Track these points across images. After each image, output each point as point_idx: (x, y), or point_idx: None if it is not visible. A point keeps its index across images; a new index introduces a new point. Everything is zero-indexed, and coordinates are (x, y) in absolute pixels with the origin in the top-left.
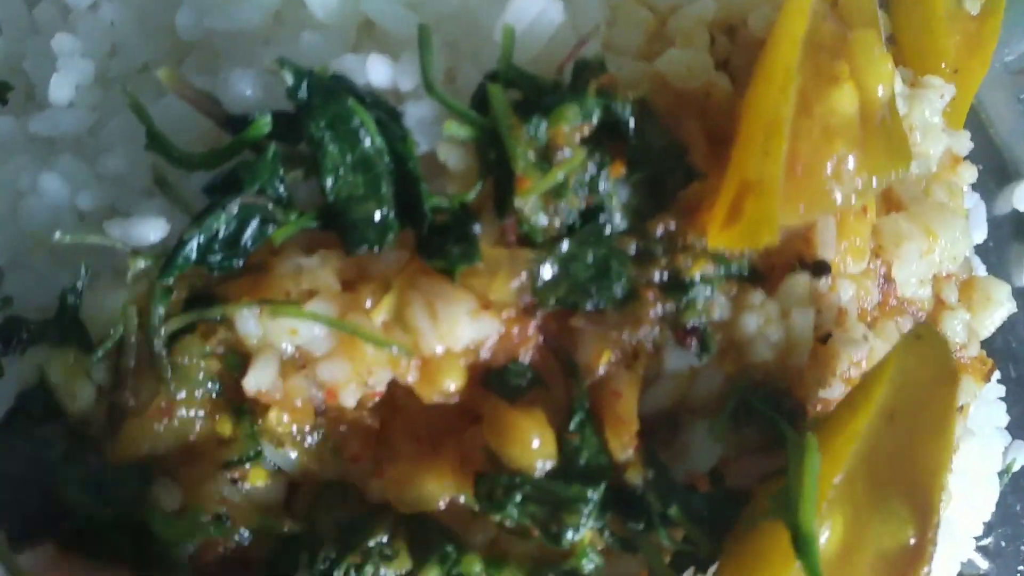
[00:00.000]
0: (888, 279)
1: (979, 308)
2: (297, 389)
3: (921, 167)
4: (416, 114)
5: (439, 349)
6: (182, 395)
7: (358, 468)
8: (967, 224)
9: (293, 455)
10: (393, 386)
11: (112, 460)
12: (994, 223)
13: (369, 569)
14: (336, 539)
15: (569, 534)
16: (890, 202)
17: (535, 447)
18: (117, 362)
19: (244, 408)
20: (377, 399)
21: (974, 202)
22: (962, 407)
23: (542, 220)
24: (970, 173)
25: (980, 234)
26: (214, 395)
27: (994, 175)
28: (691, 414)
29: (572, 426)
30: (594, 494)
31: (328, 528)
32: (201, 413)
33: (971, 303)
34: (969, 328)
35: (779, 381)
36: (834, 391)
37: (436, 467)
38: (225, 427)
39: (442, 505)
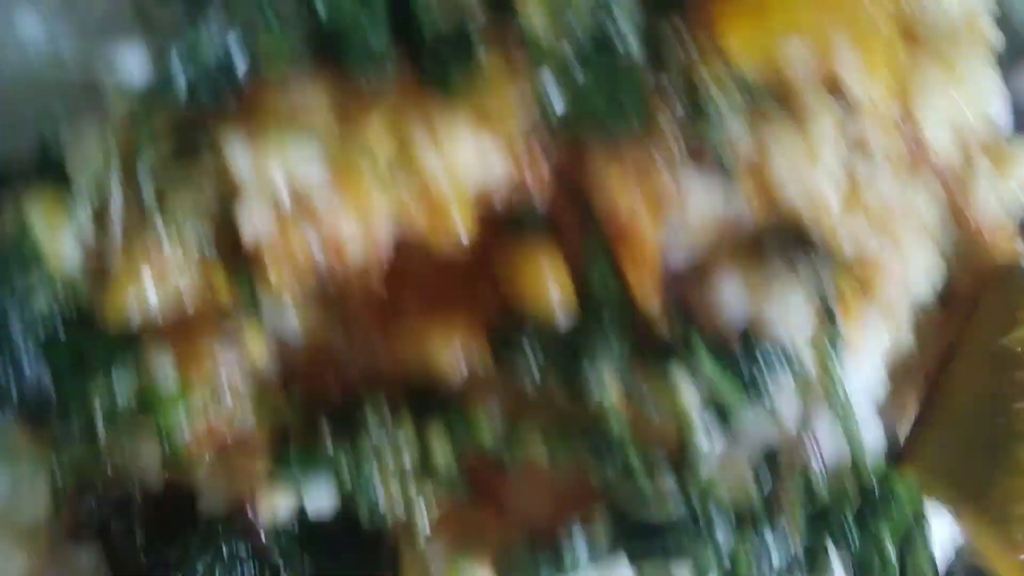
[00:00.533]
0: (909, 122)
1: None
2: (297, 240)
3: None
4: None
5: (441, 173)
6: (174, 251)
7: (362, 336)
8: (995, 78)
9: (294, 321)
10: (399, 251)
11: (102, 329)
12: None
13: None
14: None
15: (594, 389)
16: (909, 38)
17: (553, 290)
18: (103, 214)
19: (240, 269)
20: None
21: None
22: None
23: (549, 39)
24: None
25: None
26: (207, 258)
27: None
28: (718, 262)
29: (594, 274)
30: (619, 340)
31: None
32: (195, 277)
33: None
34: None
35: (809, 227)
36: (865, 237)
37: (446, 328)
38: (221, 289)
39: (455, 371)
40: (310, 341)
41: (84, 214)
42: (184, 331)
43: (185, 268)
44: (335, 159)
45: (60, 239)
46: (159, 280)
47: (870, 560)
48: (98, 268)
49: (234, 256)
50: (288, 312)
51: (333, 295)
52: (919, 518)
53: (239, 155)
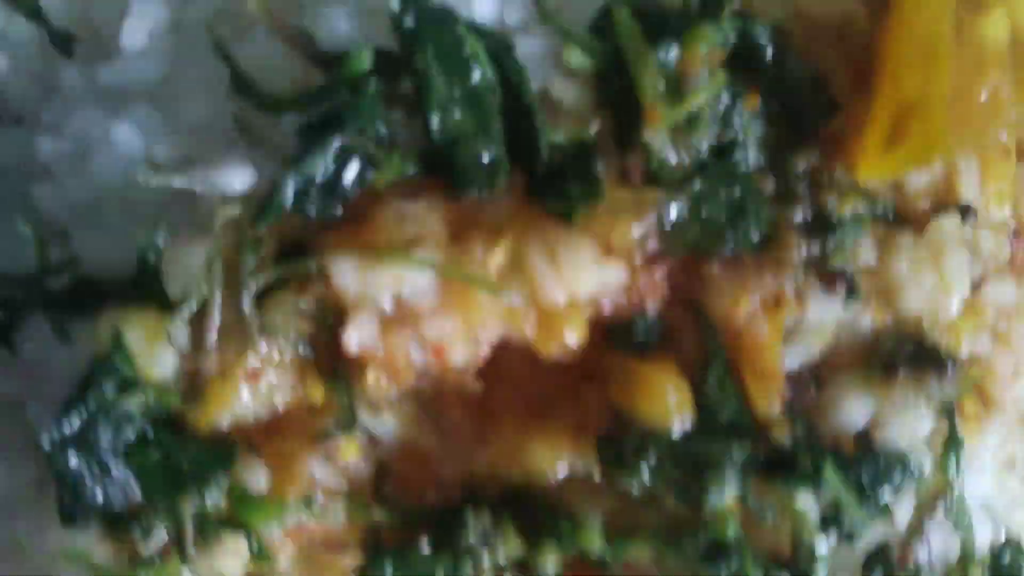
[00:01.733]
0: (1019, 235)
1: None
2: (400, 346)
3: None
4: (526, 49)
5: (560, 297)
6: (270, 357)
7: (458, 438)
8: None
9: (390, 423)
10: (497, 352)
11: (193, 433)
12: None
13: (472, 557)
14: (431, 527)
15: (713, 498)
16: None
17: (671, 402)
18: (200, 322)
19: (337, 373)
20: (480, 365)
21: None
22: None
23: (671, 157)
24: None
25: None
26: (303, 359)
27: None
28: (836, 371)
29: (710, 380)
30: (738, 451)
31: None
32: (290, 380)
33: None
34: None
35: (929, 334)
36: (983, 345)
37: (549, 433)
38: (317, 393)
39: (556, 475)
40: (405, 442)
41: (181, 325)
42: (276, 434)
43: (281, 373)
44: (445, 269)
45: (156, 351)
46: (254, 386)
47: None
48: (192, 375)
49: (330, 359)
50: (383, 414)
51: (429, 397)
52: None
53: (347, 273)
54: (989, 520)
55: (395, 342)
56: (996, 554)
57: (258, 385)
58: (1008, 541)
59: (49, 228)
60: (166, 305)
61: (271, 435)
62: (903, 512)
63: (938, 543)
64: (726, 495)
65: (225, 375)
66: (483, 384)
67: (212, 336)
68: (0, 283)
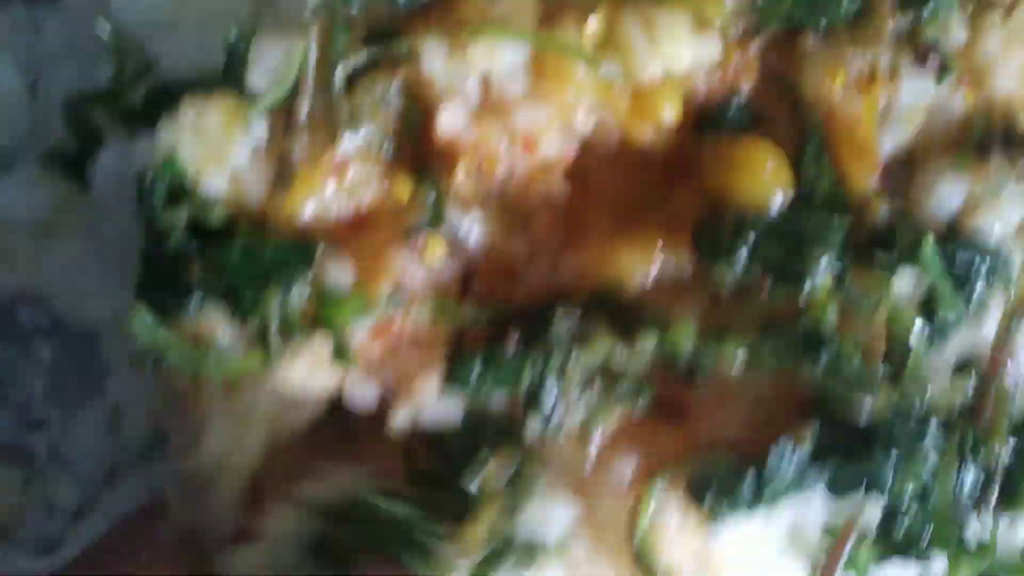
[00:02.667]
0: None
1: None
2: (490, 136)
3: None
4: None
5: (657, 71)
6: (357, 149)
7: (545, 243)
8: None
9: (477, 224)
10: (586, 156)
11: (275, 228)
12: None
13: (559, 357)
14: (519, 327)
15: (813, 273)
16: None
17: (768, 177)
18: (290, 108)
19: (424, 171)
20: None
21: None
22: None
23: None
24: None
25: None
26: (390, 155)
27: None
28: (929, 154)
29: (806, 159)
30: (839, 223)
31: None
32: (376, 174)
33: None
34: None
35: (1020, 117)
36: None
37: (639, 235)
38: (403, 189)
39: (648, 277)
40: (491, 245)
41: (262, 114)
42: (360, 231)
43: (367, 168)
44: (539, 39)
45: (234, 137)
46: (339, 179)
47: None
48: (279, 162)
49: (416, 157)
50: (470, 215)
51: (515, 201)
52: None
53: (437, 56)
54: None
55: (485, 131)
56: None
57: (343, 179)
58: None
59: (127, 41)
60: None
61: (355, 232)
62: (992, 321)
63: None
64: (825, 275)
65: (313, 161)
66: (571, 188)
67: (302, 120)
68: (75, 104)
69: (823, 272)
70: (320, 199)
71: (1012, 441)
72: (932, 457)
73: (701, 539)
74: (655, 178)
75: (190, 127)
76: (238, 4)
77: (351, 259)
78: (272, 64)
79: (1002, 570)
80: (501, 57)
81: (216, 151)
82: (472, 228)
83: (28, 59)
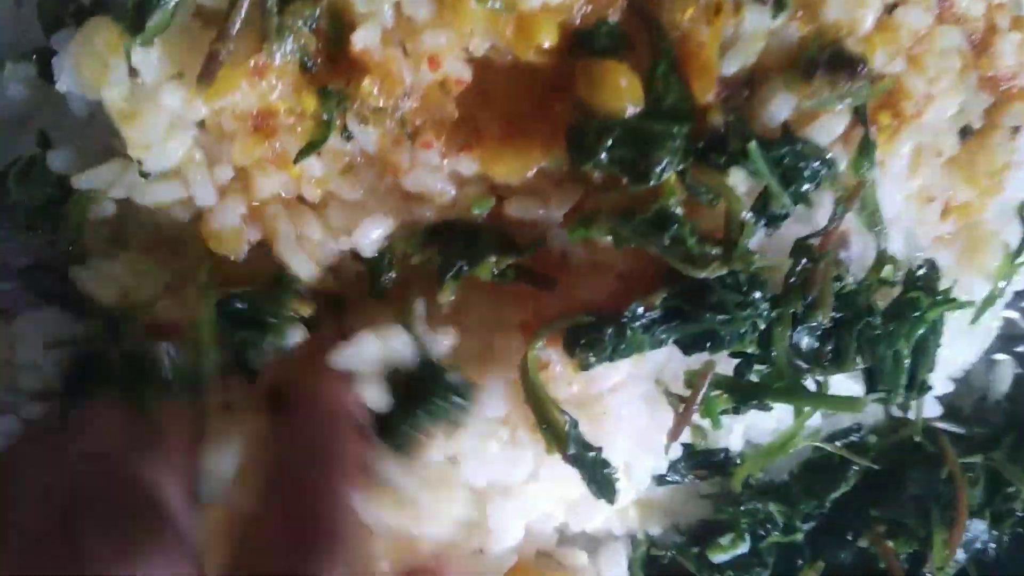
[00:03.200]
0: None
1: None
2: (396, 57)
3: None
4: None
5: (535, 3)
6: (277, 59)
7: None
8: None
9: (374, 135)
10: (480, 73)
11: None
12: None
13: None
14: None
15: (657, 170)
16: None
17: (623, 89)
18: (228, 12)
19: (329, 89)
20: (462, 87)
21: None
22: (1015, 129)
23: None
24: None
25: None
26: (305, 67)
27: None
28: (767, 72)
29: (657, 73)
30: (680, 130)
31: None
32: (288, 83)
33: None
34: (1021, 55)
35: (850, 44)
36: (898, 64)
37: (527, 138)
38: (310, 101)
39: (531, 172)
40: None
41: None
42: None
43: (282, 77)
44: None
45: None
46: (256, 81)
47: (883, 359)
48: (210, 58)
49: (330, 73)
50: (368, 127)
51: (410, 113)
52: (935, 328)
53: None
54: (903, 237)
55: (392, 53)
56: (913, 267)
57: (260, 82)
58: (926, 261)
59: None
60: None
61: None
62: (823, 212)
63: (857, 246)
64: (669, 169)
65: (237, 64)
66: (471, 99)
67: (235, 27)
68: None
69: (666, 169)
70: (238, 93)
71: (842, 312)
72: (760, 322)
73: (580, 384)
74: (540, 91)
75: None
76: None
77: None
78: None
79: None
80: None
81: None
82: (369, 137)
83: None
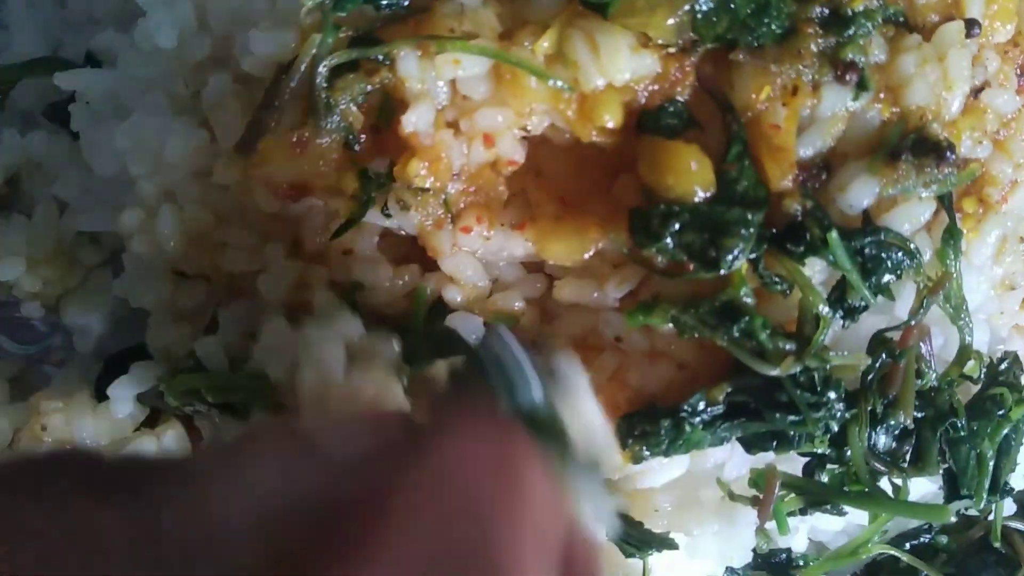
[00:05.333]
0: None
1: None
2: (447, 142)
3: None
4: None
5: (600, 82)
6: (322, 135)
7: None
8: None
9: (414, 220)
10: (536, 150)
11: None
12: None
13: None
14: None
15: (728, 258)
16: None
17: (694, 173)
18: (277, 83)
19: (369, 172)
20: (514, 168)
21: None
22: None
23: None
24: None
25: None
26: (354, 147)
27: None
28: (847, 156)
29: (730, 157)
30: (754, 217)
31: None
32: (331, 160)
33: None
34: None
35: (931, 127)
36: (983, 150)
37: (583, 219)
38: (350, 181)
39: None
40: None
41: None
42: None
43: (325, 152)
44: (498, 54)
45: None
46: (298, 153)
47: (966, 461)
48: (248, 134)
49: (376, 151)
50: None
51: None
52: (1019, 427)
53: (410, 61)
54: (987, 329)
55: (444, 137)
56: (995, 360)
57: (301, 154)
58: (1008, 353)
59: None
60: None
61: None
62: (904, 304)
63: (939, 338)
64: (741, 257)
65: (279, 134)
66: (526, 177)
67: (282, 98)
68: None
69: (737, 258)
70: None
71: (923, 410)
72: (833, 423)
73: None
74: (599, 170)
75: None
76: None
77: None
78: (263, 50)
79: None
80: (466, 66)
81: None
82: (409, 222)
83: (53, 27)
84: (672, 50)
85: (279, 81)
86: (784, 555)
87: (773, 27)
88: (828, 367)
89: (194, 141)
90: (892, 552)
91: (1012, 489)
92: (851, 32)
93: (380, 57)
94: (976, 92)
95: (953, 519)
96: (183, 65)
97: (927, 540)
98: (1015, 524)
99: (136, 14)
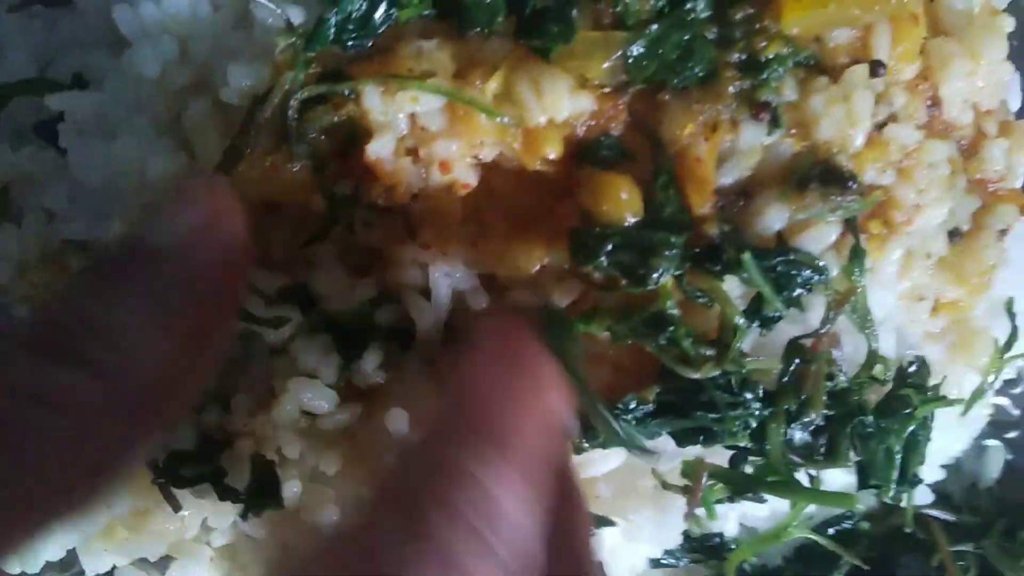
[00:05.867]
0: (935, 102)
1: (1018, 148)
2: (405, 168)
3: (965, 3)
4: None
5: (542, 120)
6: (294, 163)
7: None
8: (1008, 65)
9: (378, 234)
10: (488, 174)
11: None
12: None
13: None
14: None
15: (654, 276)
16: (937, 28)
17: (624, 200)
18: (251, 114)
19: (338, 195)
20: (468, 190)
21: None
22: (1003, 231)
23: (635, 3)
24: (1008, 22)
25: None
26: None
27: None
28: (762, 184)
29: (657, 186)
30: (677, 240)
31: None
32: (299, 183)
33: (1011, 139)
34: (1008, 159)
35: (841, 160)
36: (888, 177)
37: (530, 237)
38: (316, 201)
39: (534, 269)
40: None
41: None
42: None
43: (294, 175)
44: (452, 93)
45: None
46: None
47: (875, 454)
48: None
49: (342, 174)
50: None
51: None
52: (925, 424)
53: (374, 96)
54: (894, 335)
55: (404, 164)
56: (904, 364)
57: (273, 178)
58: (917, 358)
59: None
60: None
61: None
62: (816, 314)
63: (849, 346)
64: (666, 274)
65: (255, 160)
66: (478, 199)
67: (256, 126)
68: None
69: (663, 275)
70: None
71: (835, 409)
72: (752, 420)
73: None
74: (543, 194)
75: None
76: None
77: None
78: (240, 82)
79: (826, 503)
80: (423, 102)
81: None
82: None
83: (43, 49)
84: (607, 90)
85: (254, 111)
86: (717, 539)
87: (696, 71)
88: (745, 371)
89: (175, 162)
90: (812, 537)
91: (921, 480)
92: (765, 76)
93: (347, 92)
94: (880, 126)
95: (862, 507)
96: (165, 91)
97: (849, 526)
98: (934, 512)
99: (121, 37)
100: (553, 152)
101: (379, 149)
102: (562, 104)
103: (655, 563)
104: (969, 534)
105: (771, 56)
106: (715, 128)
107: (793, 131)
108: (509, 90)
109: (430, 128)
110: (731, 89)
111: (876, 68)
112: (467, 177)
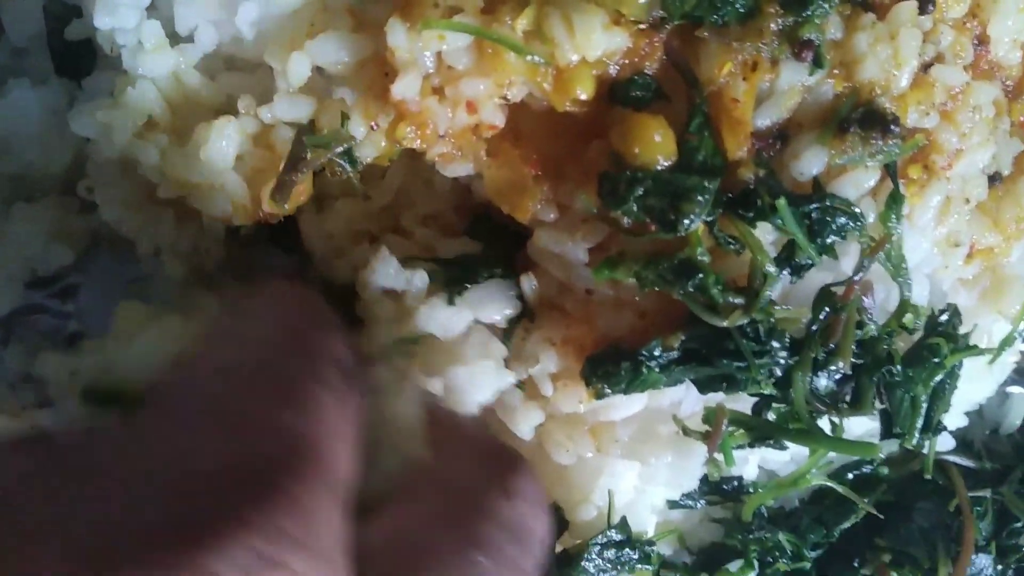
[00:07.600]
0: (982, 40)
1: None
2: (432, 109)
3: None
4: None
5: (574, 58)
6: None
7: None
8: None
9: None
10: (516, 115)
11: None
12: None
13: None
14: None
15: (686, 222)
16: None
17: (657, 143)
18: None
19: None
20: (494, 131)
21: None
22: None
23: None
24: None
25: None
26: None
27: None
28: (800, 127)
29: (691, 128)
30: (711, 184)
31: None
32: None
33: None
34: None
35: (883, 102)
36: (930, 120)
37: (557, 180)
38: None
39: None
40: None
41: None
42: None
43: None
44: (479, 30)
45: None
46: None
47: (900, 403)
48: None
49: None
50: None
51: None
52: (953, 373)
53: (399, 34)
54: (927, 282)
55: (430, 104)
56: (936, 312)
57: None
58: (949, 306)
59: None
60: None
61: None
62: (849, 261)
63: (880, 293)
64: (697, 221)
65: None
66: (507, 140)
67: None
68: None
69: (694, 221)
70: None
71: (863, 358)
72: (777, 369)
73: (590, 407)
74: (573, 135)
75: None
76: None
77: None
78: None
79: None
80: (450, 40)
81: None
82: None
83: None
84: (642, 26)
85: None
86: (736, 482)
87: (737, 6)
88: (773, 319)
89: None
90: (833, 485)
91: (944, 427)
92: (809, 12)
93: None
94: (926, 67)
95: (883, 455)
96: None
97: (869, 471)
98: (953, 458)
99: None
100: (584, 92)
101: (404, 89)
102: (595, 41)
103: (673, 504)
104: (987, 480)
105: None
106: (754, 67)
107: (835, 71)
108: (539, 26)
109: (457, 66)
110: (772, 26)
111: (925, 4)
112: (494, 118)
